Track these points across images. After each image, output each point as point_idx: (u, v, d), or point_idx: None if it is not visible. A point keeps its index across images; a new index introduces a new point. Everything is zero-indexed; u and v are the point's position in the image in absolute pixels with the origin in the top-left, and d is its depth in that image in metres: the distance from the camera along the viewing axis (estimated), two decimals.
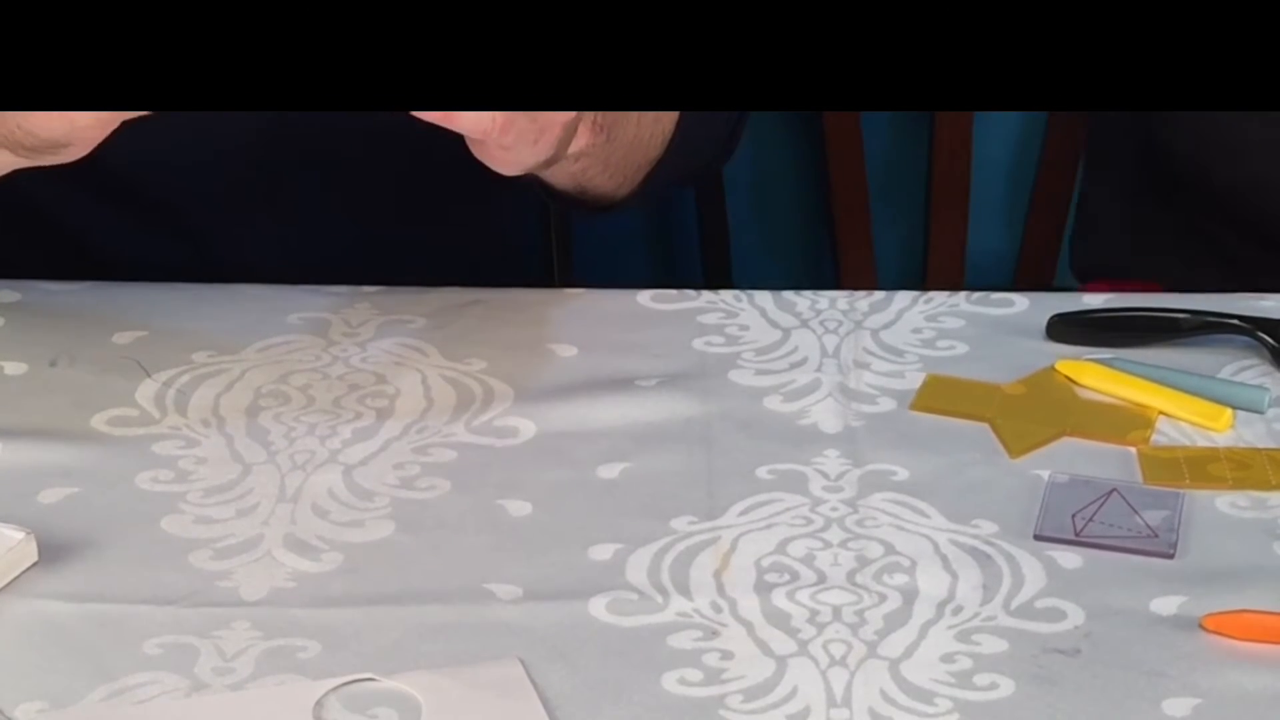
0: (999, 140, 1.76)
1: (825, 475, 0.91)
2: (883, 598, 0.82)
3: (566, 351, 1.02)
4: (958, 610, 0.81)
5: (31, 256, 1.15)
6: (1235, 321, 1.00)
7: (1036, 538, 0.85)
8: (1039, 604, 0.81)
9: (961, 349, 1.02)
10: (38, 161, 0.93)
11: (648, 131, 1.09)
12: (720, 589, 0.82)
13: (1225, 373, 0.99)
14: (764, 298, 1.07)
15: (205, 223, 1.18)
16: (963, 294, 1.07)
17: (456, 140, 0.90)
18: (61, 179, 1.16)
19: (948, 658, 0.78)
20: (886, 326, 1.04)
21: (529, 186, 1.08)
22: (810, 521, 0.87)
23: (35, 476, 0.90)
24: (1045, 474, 0.90)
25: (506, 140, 0.89)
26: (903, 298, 1.07)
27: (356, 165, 1.18)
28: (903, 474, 0.91)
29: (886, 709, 0.75)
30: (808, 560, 0.84)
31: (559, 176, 1.06)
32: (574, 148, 0.96)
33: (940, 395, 0.97)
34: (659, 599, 0.82)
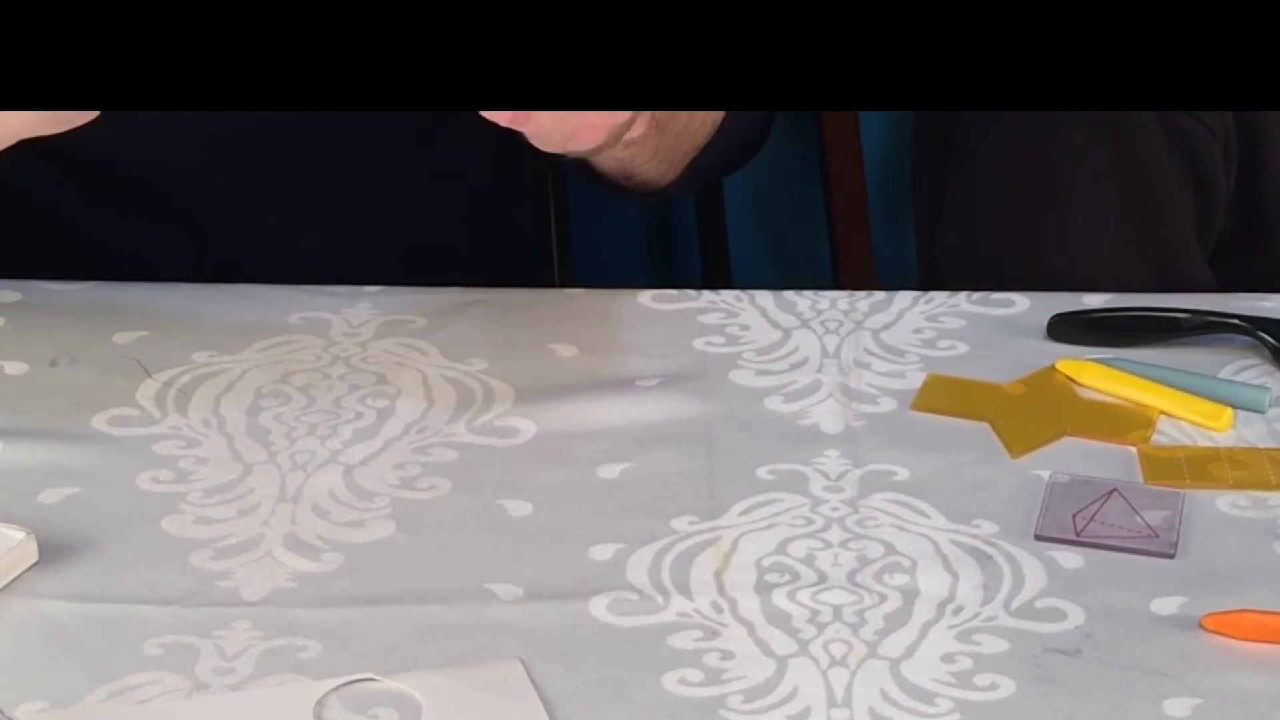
0: None
1: (826, 475, 0.91)
2: (883, 598, 0.82)
3: (566, 351, 1.02)
4: (958, 610, 0.81)
5: (33, 254, 1.15)
6: (1235, 321, 1.00)
7: (1037, 538, 0.85)
8: (1039, 604, 0.81)
9: (962, 349, 1.02)
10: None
11: (698, 120, 1.09)
12: (720, 589, 0.82)
13: (1225, 373, 0.99)
14: (764, 298, 1.07)
15: (206, 221, 1.18)
16: (963, 294, 1.07)
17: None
18: (64, 177, 1.16)
19: (948, 658, 0.78)
20: (887, 326, 1.04)
21: (579, 168, 1.07)
22: (811, 521, 0.87)
23: (35, 476, 0.90)
24: (1046, 474, 0.90)
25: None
26: (903, 298, 1.07)
27: (358, 166, 1.18)
28: (903, 474, 0.91)
29: (887, 709, 0.75)
30: (808, 560, 0.84)
31: (606, 161, 1.06)
32: (628, 135, 0.96)
33: (941, 395, 0.97)
34: (659, 599, 0.82)
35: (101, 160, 1.14)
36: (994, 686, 0.76)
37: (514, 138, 0.92)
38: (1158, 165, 1.21)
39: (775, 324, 1.04)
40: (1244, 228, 1.28)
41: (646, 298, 1.07)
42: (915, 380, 0.98)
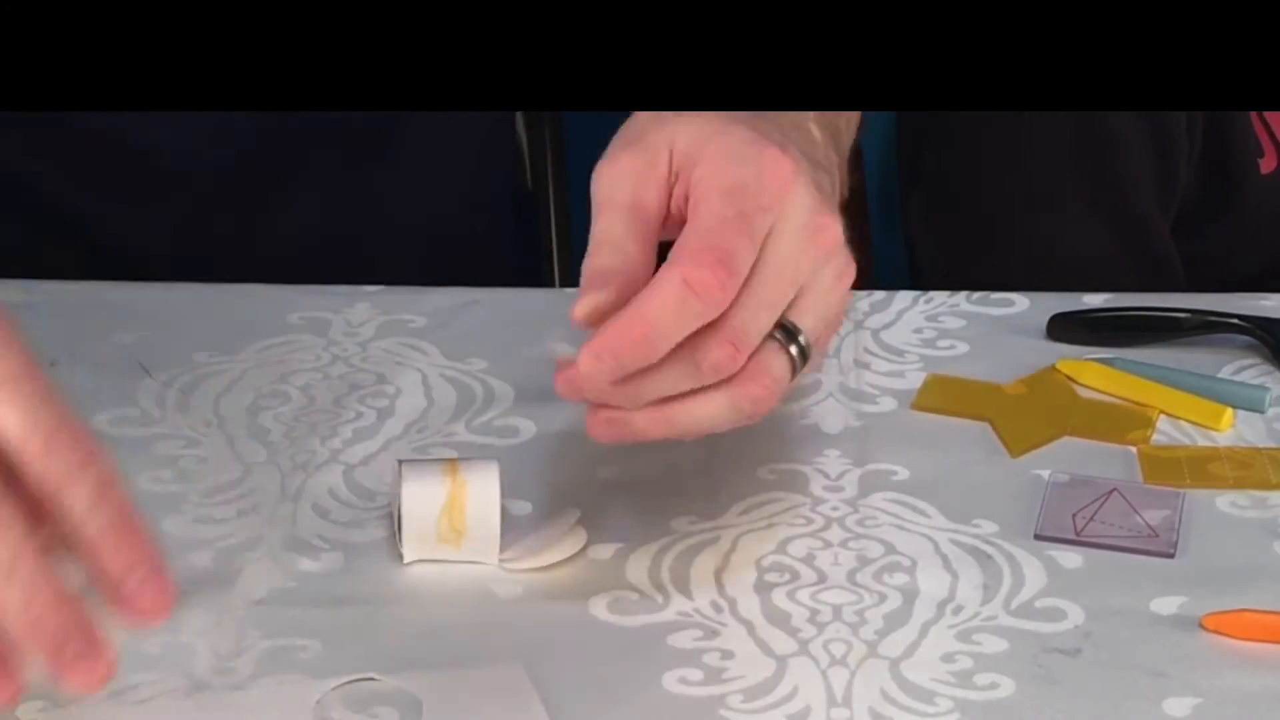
0: None
1: (826, 475, 0.91)
2: (883, 597, 0.82)
3: (567, 351, 1.01)
4: (958, 610, 0.81)
5: (33, 249, 1.15)
6: (1235, 321, 1.00)
7: (1037, 537, 0.86)
8: (1039, 604, 0.81)
9: (962, 349, 1.02)
10: None
11: (844, 117, 1.04)
12: (720, 588, 0.82)
13: (1225, 372, 0.99)
14: None
15: (206, 219, 1.18)
16: (963, 294, 1.07)
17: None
18: (68, 172, 1.16)
19: (948, 657, 0.78)
20: (887, 326, 1.04)
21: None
22: (811, 521, 0.87)
23: None
24: (1045, 474, 0.90)
25: None
26: (903, 298, 1.07)
27: (357, 165, 1.18)
28: (903, 474, 0.91)
29: (887, 709, 0.75)
30: (808, 560, 0.84)
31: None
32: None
33: (941, 395, 0.97)
34: (659, 599, 0.82)
35: (108, 154, 1.14)
36: (994, 686, 0.76)
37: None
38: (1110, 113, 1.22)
39: None
40: (1214, 190, 1.27)
41: None
42: (915, 380, 0.99)
